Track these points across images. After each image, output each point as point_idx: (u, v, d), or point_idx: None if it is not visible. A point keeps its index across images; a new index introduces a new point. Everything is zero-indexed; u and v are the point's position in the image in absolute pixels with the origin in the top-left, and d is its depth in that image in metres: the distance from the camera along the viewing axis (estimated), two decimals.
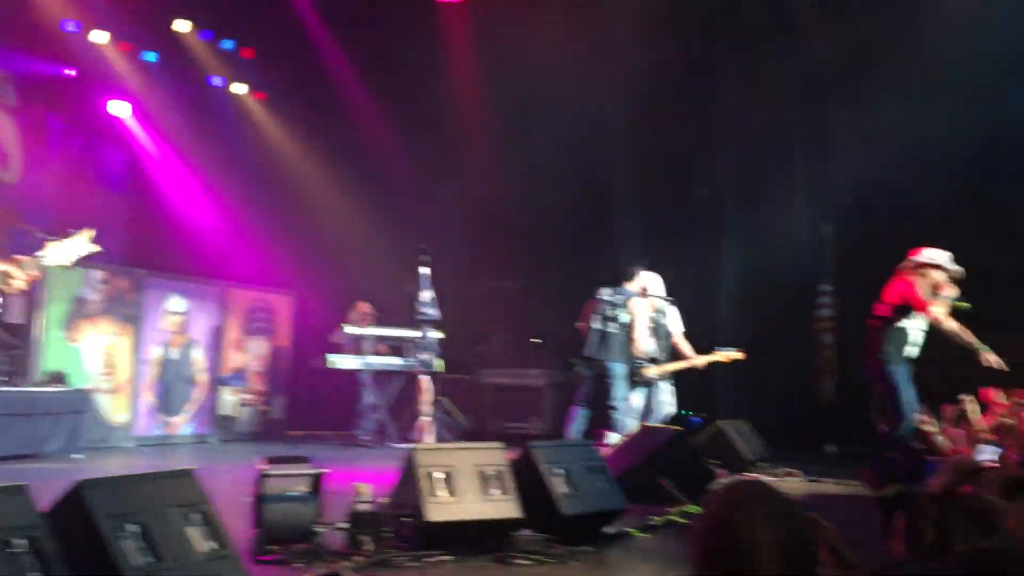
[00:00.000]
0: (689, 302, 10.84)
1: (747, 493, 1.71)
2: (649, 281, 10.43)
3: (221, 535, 3.69)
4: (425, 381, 11.32)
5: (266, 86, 13.81)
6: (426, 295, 10.82)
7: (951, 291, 8.02)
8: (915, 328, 8.15)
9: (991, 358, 7.79)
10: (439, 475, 5.32)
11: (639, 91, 12.39)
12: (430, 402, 11.32)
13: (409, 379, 11.83)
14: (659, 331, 10.44)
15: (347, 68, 13.72)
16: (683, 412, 11.14)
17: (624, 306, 10.23)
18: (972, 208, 11.43)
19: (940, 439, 8.18)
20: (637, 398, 10.34)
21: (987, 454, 5.29)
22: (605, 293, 10.29)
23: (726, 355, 10.59)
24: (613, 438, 9.55)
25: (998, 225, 11.31)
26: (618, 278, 10.35)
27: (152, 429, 11.49)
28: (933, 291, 8.01)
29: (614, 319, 10.19)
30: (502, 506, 5.43)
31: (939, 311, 7.91)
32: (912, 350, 8.12)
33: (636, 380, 10.28)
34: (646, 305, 10.36)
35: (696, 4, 12.22)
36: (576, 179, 12.97)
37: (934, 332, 7.97)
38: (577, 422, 10.21)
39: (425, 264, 10.70)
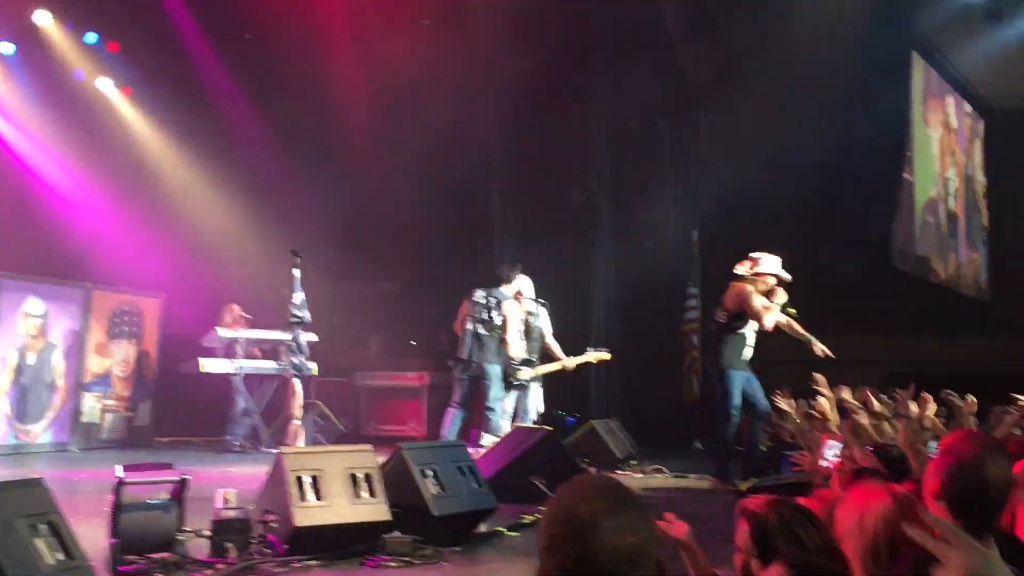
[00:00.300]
0: (563, 304, 11.00)
1: (591, 486, 1.80)
2: (522, 283, 10.55)
3: (71, 546, 3.58)
4: (297, 385, 11.15)
5: (133, 81, 13.40)
6: (298, 297, 10.66)
7: (782, 296, 8.64)
8: (751, 333, 8.74)
9: (818, 348, 8.53)
10: (307, 478, 5.26)
11: (515, 94, 12.47)
12: (302, 406, 11.16)
13: (282, 383, 11.63)
14: (531, 333, 10.58)
15: (217, 65, 13.42)
16: (557, 412, 11.27)
17: (497, 308, 10.32)
18: (823, 214, 12.07)
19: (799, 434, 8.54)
20: (510, 400, 10.43)
21: (833, 451, 5.58)
22: (478, 295, 10.35)
23: (595, 356, 10.80)
24: (488, 439, 9.63)
25: (846, 231, 12.02)
26: (494, 281, 10.46)
27: (7, 438, 11.02)
28: (767, 297, 8.57)
29: (488, 321, 10.28)
30: (372, 509, 5.41)
31: (770, 319, 8.54)
32: (748, 353, 8.73)
33: (510, 382, 10.36)
34: (518, 307, 10.46)
35: (572, 13, 12.34)
36: (452, 182, 12.96)
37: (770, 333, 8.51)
38: (452, 424, 10.25)
39: (297, 266, 10.54)
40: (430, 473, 5.84)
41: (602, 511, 1.72)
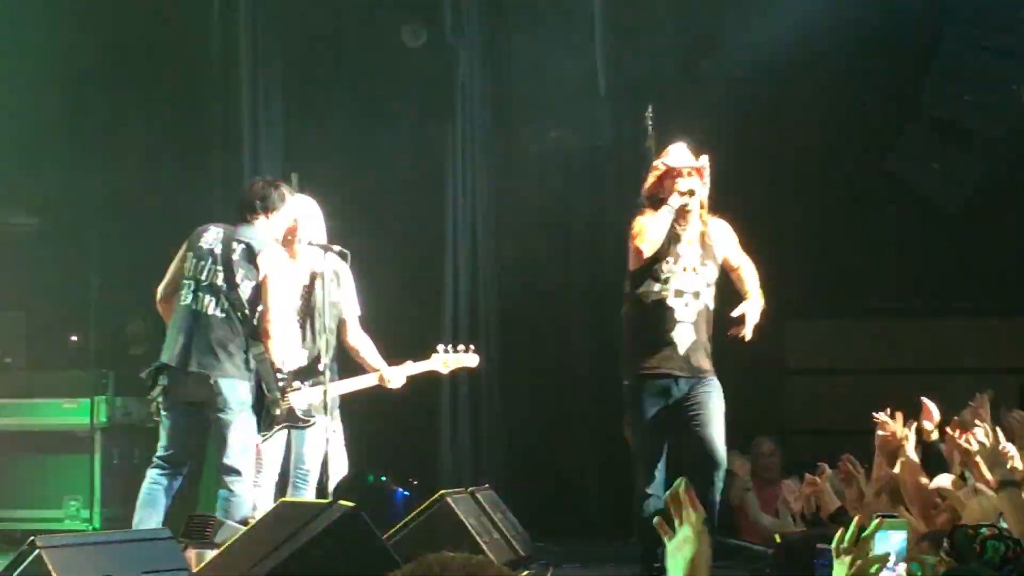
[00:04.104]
0: (386, 260, 6.58)
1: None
2: (300, 214, 5.96)
3: None
4: None
5: None
6: None
7: None
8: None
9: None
10: None
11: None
12: None
13: None
14: (316, 315, 6.09)
15: None
16: (370, 476, 6.69)
17: (248, 263, 5.87)
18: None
19: None
20: (273, 449, 6.00)
21: None
22: (207, 238, 5.85)
23: (451, 362, 6.28)
24: (227, 530, 5.52)
25: None
26: (240, 208, 5.88)
27: None
28: None
29: (223, 290, 5.89)
30: None
31: None
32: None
33: (273, 414, 5.98)
34: (292, 263, 5.97)
35: None
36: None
37: None
38: (153, 503, 5.71)
39: None
40: None
41: None
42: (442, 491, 5.80)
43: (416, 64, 7.18)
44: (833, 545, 2.46)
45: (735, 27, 7.15)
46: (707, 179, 5.24)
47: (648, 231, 5.15)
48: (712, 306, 5.20)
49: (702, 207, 5.18)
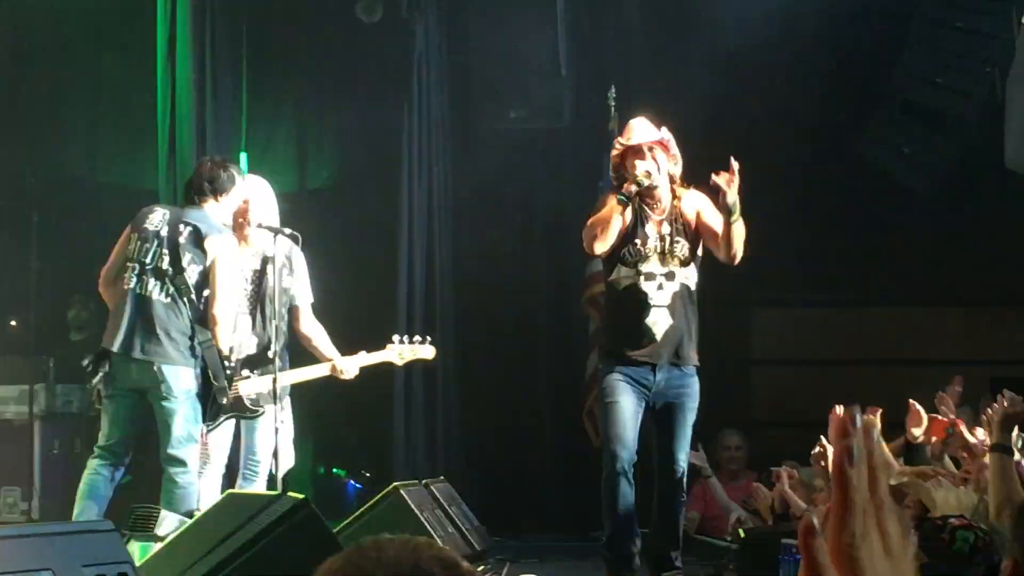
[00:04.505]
0: (340, 244, 5.83)
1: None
2: (252, 194, 5.57)
3: None
4: None
5: None
6: None
7: None
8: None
9: None
10: None
11: None
12: None
13: None
14: (266, 300, 5.74)
15: None
16: (321, 468, 5.90)
17: (193, 246, 5.61)
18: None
19: None
20: (222, 439, 5.71)
21: None
22: (154, 218, 5.50)
23: (406, 352, 5.91)
24: (170, 522, 5.31)
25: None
26: (189, 189, 5.63)
27: None
28: None
29: (168, 274, 5.53)
30: None
31: None
32: None
33: (219, 403, 5.73)
34: (240, 246, 5.67)
35: None
36: None
37: None
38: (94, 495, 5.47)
39: None
40: None
41: None
42: (396, 483, 5.53)
43: (371, 41, 6.77)
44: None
45: (702, 6, 6.81)
46: (674, 151, 4.83)
47: (596, 231, 4.76)
48: (693, 286, 4.80)
49: (673, 181, 4.79)
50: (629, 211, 4.73)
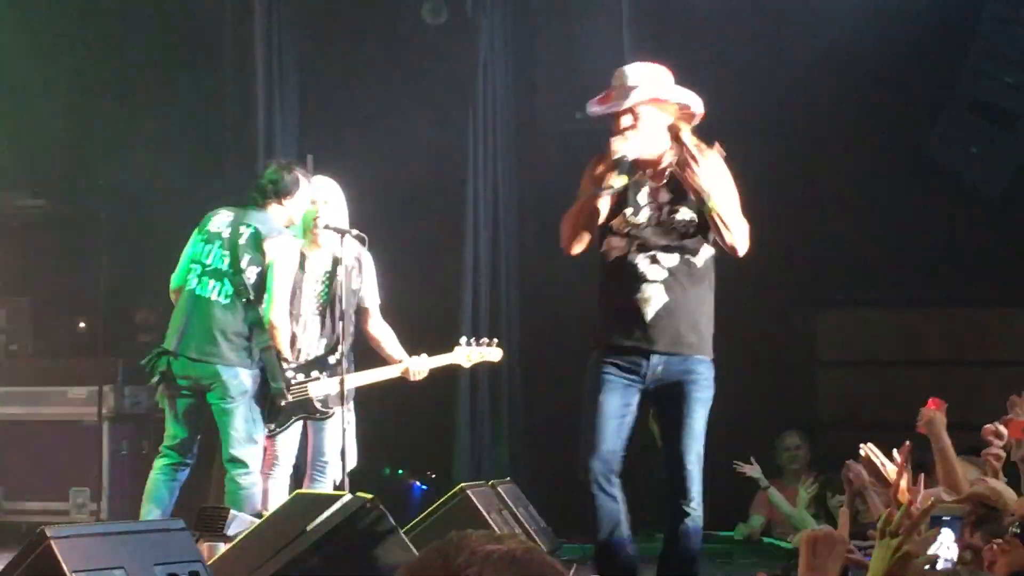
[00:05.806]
0: (410, 247, 6.44)
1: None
2: (319, 196, 5.61)
3: None
4: None
5: None
6: None
7: None
8: None
9: None
10: None
11: None
12: None
13: None
14: (334, 303, 5.73)
15: None
16: (386, 469, 6.01)
17: (252, 249, 5.57)
18: None
19: None
20: (288, 441, 5.71)
21: None
22: (218, 221, 5.58)
23: (474, 355, 5.87)
24: (239, 522, 5.19)
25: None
26: (253, 192, 5.62)
27: None
28: None
29: (230, 275, 5.56)
30: None
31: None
32: None
33: (280, 406, 5.71)
34: (303, 248, 5.73)
35: None
36: None
37: None
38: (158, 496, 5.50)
39: None
40: None
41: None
42: (462, 484, 5.53)
43: (436, 43, 6.76)
44: (879, 526, 2.09)
45: (769, 7, 6.76)
46: (673, 96, 4.08)
47: (567, 230, 4.16)
48: (701, 262, 4.07)
49: (676, 134, 4.01)
50: (622, 178, 3.98)
